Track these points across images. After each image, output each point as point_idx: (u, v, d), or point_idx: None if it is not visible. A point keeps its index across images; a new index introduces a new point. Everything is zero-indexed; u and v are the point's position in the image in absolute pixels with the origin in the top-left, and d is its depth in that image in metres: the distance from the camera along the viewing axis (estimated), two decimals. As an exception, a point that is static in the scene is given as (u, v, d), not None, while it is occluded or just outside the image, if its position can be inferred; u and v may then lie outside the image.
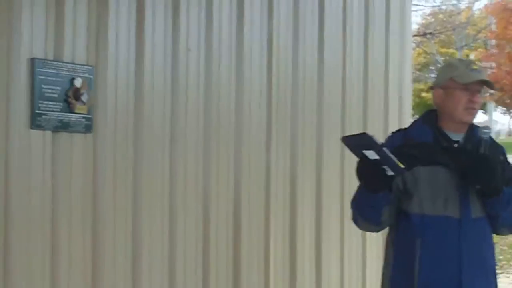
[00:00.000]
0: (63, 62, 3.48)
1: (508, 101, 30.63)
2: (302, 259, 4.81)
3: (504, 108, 32.90)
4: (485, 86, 3.59)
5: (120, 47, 3.62)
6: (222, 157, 4.21)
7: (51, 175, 3.44)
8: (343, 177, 5.29)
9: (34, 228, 3.37)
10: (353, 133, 3.27)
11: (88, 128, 3.57)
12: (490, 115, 36.93)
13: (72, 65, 3.51)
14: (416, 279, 3.50)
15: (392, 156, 3.20)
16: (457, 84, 3.57)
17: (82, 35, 3.54)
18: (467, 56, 42.90)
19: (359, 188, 3.48)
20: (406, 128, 3.73)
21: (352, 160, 5.30)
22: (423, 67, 45.19)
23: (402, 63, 6.14)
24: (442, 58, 42.38)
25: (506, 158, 3.66)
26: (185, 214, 3.94)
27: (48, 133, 3.44)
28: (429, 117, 3.68)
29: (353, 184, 5.25)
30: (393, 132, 3.74)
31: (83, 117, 3.55)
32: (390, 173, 3.26)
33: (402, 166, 3.22)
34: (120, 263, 3.61)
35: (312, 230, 4.94)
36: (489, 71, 31.35)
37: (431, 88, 3.74)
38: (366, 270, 5.56)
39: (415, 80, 41.39)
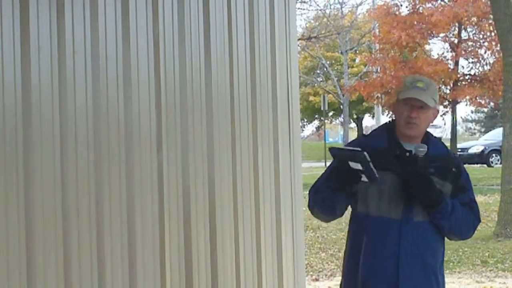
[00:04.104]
0: None
1: (394, 105, 31.34)
2: (197, 257, 4.84)
3: (391, 112, 33.68)
4: (432, 102, 4.00)
5: (5, 50, 3.56)
6: (113, 158, 4.20)
7: None
8: (235, 178, 5.34)
9: None
10: (348, 148, 3.93)
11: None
12: (378, 119, 37.76)
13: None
14: (360, 270, 3.99)
15: (373, 168, 3.77)
16: (400, 99, 4.01)
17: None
18: (353, 60, 43.86)
19: (326, 185, 4.01)
20: (368, 135, 4.24)
21: (243, 161, 5.38)
22: (309, 71, 45.90)
23: (289, 67, 6.23)
24: (328, 62, 43.15)
25: (459, 169, 4.14)
26: (78, 219, 3.91)
27: None
28: (390, 126, 4.14)
29: (245, 184, 5.37)
30: (355, 139, 4.26)
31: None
32: (364, 179, 3.81)
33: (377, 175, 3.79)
34: (13, 269, 3.55)
35: (207, 227, 4.98)
36: (375, 75, 32.09)
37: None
38: (261, 272, 5.63)
39: (302, 84, 42.09)
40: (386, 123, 4.20)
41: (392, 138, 4.04)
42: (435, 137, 4.17)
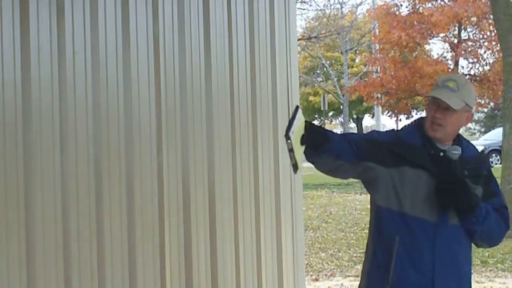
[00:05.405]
0: None
1: (394, 104, 31.40)
2: (197, 257, 4.84)
3: (391, 112, 33.76)
4: (460, 104, 3.75)
5: (5, 50, 3.56)
6: (113, 158, 4.20)
7: None
8: (235, 178, 5.34)
9: None
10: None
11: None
12: (378, 119, 37.74)
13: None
14: (391, 274, 3.73)
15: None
16: (429, 97, 3.81)
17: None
18: (353, 60, 43.87)
19: None
20: (397, 130, 3.99)
21: (243, 161, 5.37)
22: (309, 71, 45.93)
23: (289, 67, 6.23)
24: (328, 62, 43.17)
25: (489, 172, 3.93)
26: (78, 216, 3.91)
27: None
28: (421, 123, 3.90)
29: (245, 184, 5.37)
30: (386, 131, 4.03)
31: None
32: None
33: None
34: (13, 269, 3.56)
35: (207, 227, 4.98)
36: (375, 75, 32.09)
37: None
38: (261, 272, 5.62)
39: (302, 84, 42.10)
40: (417, 119, 3.98)
41: (424, 136, 3.82)
42: (465, 138, 3.96)
